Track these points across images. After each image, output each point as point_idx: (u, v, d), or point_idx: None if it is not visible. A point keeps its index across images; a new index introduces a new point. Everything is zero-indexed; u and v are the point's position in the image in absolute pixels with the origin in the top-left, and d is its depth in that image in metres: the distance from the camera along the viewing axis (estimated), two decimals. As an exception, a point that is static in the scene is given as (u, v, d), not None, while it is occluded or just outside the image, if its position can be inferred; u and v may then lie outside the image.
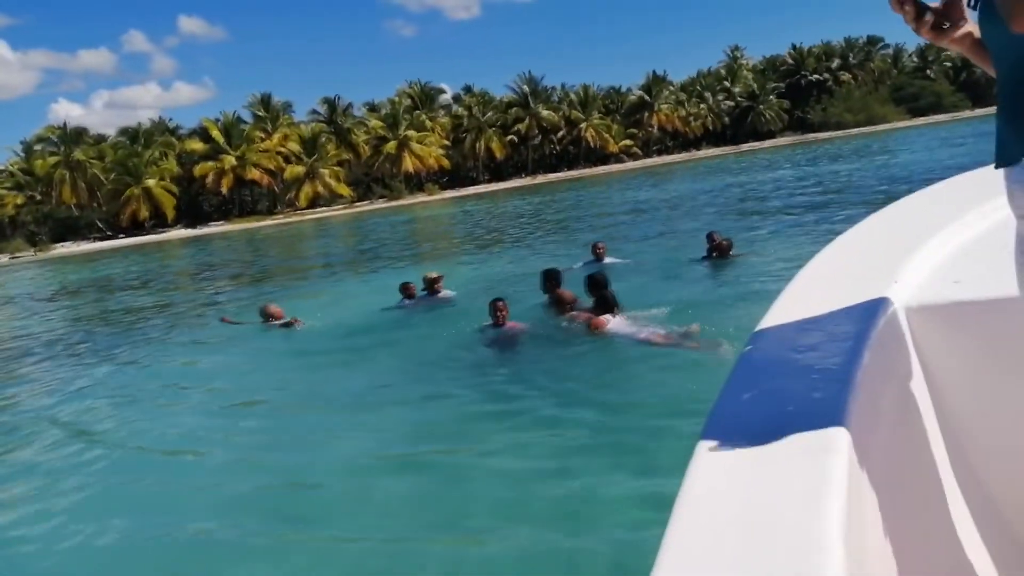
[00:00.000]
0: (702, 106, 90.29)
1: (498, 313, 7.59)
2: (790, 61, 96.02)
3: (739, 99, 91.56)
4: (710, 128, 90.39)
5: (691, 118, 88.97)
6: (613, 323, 7.07)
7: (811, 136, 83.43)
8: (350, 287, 15.06)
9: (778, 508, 0.84)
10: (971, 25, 1.24)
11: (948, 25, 1.19)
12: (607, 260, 11.24)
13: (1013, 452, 1.42)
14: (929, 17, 1.19)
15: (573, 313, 7.70)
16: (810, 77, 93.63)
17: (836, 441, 0.94)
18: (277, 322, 10.11)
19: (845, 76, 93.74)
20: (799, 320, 1.39)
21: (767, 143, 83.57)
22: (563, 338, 7.34)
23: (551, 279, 8.71)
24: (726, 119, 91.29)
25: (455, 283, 11.25)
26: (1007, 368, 1.39)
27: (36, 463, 6.07)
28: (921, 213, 2.11)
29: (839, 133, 79.46)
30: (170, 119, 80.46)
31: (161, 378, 8.65)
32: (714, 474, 0.93)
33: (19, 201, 69.22)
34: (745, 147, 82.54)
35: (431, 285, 10.49)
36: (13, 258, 63.72)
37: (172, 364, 9.48)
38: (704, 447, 0.98)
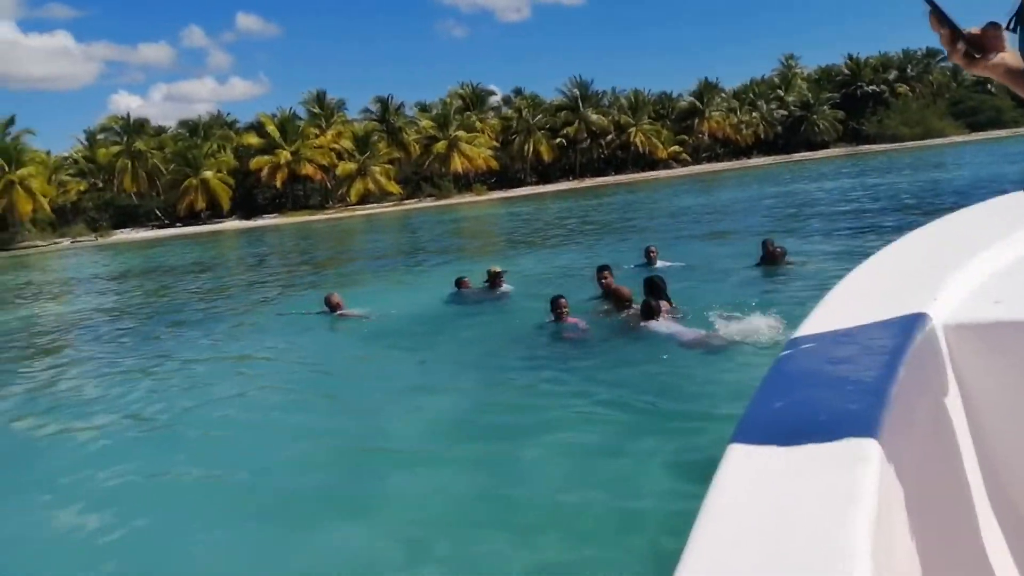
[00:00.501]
0: (754, 114, 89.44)
1: (560, 310, 8.00)
2: (846, 71, 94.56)
3: (792, 108, 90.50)
4: (762, 137, 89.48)
5: (742, 126, 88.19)
6: (658, 324, 7.42)
7: (865, 148, 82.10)
8: (409, 279, 15.61)
9: (805, 515, 0.84)
10: (1007, 54, 1.27)
11: (979, 55, 1.23)
12: (659, 264, 11.54)
13: None
14: (961, 46, 1.23)
15: (629, 313, 8.04)
16: (866, 88, 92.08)
17: (867, 452, 0.94)
18: (340, 311, 10.58)
19: (902, 88, 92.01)
20: (835, 331, 1.40)
21: (820, 153, 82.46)
22: (616, 335, 7.71)
23: (604, 273, 9.19)
24: (778, 128, 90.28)
25: (507, 279, 11.68)
26: None
27: (105, 432, 6.64)
28: (964, 231, 2.12)
29: (894, 146, 78.04)
30: (228, 113, 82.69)
31: (230, 362, 9.19)
32: (742, 478, 0.94)
33: (82, 188, 71.57)
34: (797, 157, 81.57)
35: (494, 278, 10.94)
36: (74, 242, 66.12)
37: (236, 348, 10.02)
38: (734, 450, 0.99)
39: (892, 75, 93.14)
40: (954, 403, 1.38)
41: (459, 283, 10.98)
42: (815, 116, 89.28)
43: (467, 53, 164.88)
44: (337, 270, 20.65)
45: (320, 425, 6.18)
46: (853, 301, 1.56)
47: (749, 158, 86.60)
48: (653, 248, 11.95)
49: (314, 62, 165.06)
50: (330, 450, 5.50)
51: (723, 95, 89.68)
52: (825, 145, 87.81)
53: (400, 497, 4.59)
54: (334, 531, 4.21)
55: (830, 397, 1.11)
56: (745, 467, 0.95)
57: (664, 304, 7.91)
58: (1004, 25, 1.21)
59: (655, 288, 8.07)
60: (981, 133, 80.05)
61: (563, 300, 8.11)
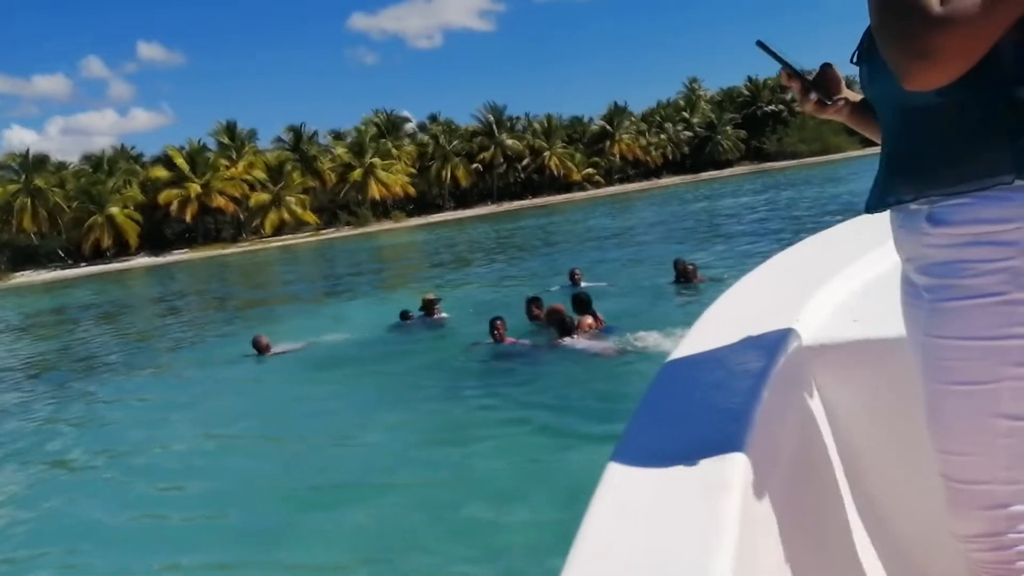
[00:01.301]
0: (662, 136, 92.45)
1: (496, 331, 8.31)
2: (746, 92, 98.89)
3: (698, 129, 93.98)
4: (670, 157, 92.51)
5: (651, 147, 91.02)
6: (574, 341, 7.95)
7: (767, 165, 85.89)
8: (336, 311, 15.57)
9: (671, 543, 0.86)
10: (847, 92, 1.41)
11: (829, 103, 1.37)
12: (583, 284, 11.98)
13: (910, 485, 1.46)
14: (814, 95, 1.36)
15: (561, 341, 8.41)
16: (765, 108, 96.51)
17: (731, 479, 0.96)
18: (269, 351, 10.39)
19: (800, 107, 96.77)
20: (704, 356, 1.44)
21: (725, 172, 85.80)
22: (546, 353, 8.08)
23: (532, 307, 9.65)
24: (685, 149, 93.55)
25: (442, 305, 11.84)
26: (902, 404, 1.41)
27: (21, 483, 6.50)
28: (823, 253, 2.21)
29: (794, 163, 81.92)
30: (132, 147, 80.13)
31: (157, 410, 8.99)
32: (615, 508, 0.96)
33: (-23, 229, 68.09)
34: (704, 176, 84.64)
35: (429, 306, 11.05)
36: (-30, 287, 62.63)
37: (162, 396, 9.75)
38: (609, 481, 1.02)
39: (789, 95, 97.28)
40: (819, 419, 1.43)
41: (403, 316, 11.03)
42: (719, 136, 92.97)
43: (380, 80, 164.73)
44: (260, 307, 20.36)
45: (262, 467, 6.19)
46: (722, 325, 1.60)
47: (659, 178, 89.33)
48: (577, 270, 12.42)
49: (220, 91, 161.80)
50: (276, 490, 5.55)
51: (632, 118, 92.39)
52: (730, 164, 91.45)
53: (349, 529, 4.72)
54: (284, 568, 4.32)
55: (696, 423, 1.15)
56: (618, 498, 0.97)
57: (589, 319, 8.41)
58: (849, 59, 1.30)
59: (582, 304, 8.56)
60: (874, 148, 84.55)
61: (500, 321, 8.44)
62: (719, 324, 1.63)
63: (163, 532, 5.12)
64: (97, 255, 67.41)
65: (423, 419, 6.59)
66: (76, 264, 66.92)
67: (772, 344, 1.41)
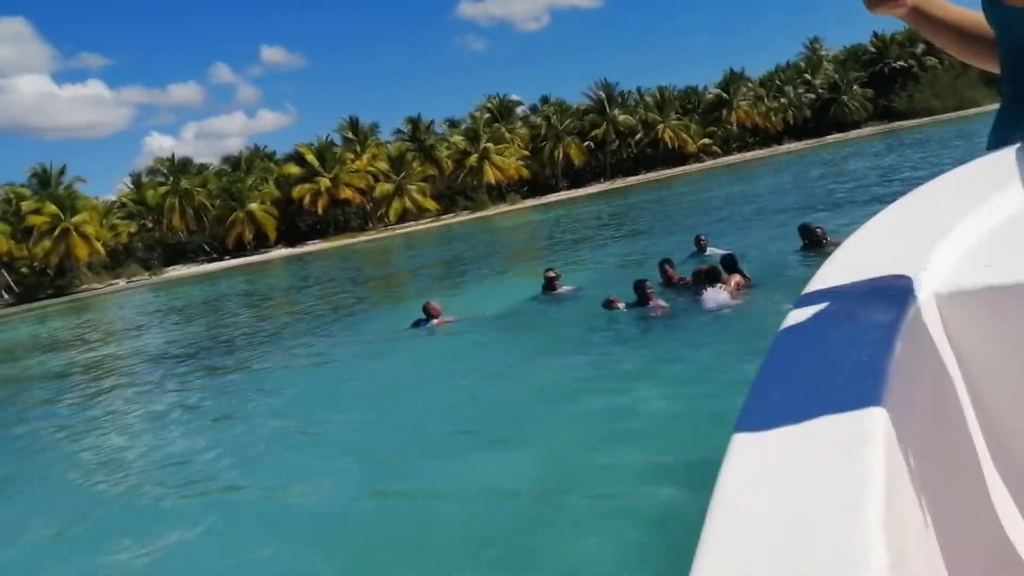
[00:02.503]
0: (782, 100, 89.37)
1: (645, 292, 9.01)
2: (872, 49, 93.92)
3: (820, 91, 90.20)
4: (791, 122, 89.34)
5: (771, 113, 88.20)
6: (721, 292, 8.61)
7: (897, 124, 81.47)
8: (480, 287, 16.45)
9: (817, 505, 0.84)
10: None
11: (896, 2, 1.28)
12: (709, 251, 12.31)
13: None
14: None
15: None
16: (894, 64, 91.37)
17: (873, 435, 0.95)
18: (437, 319, 11.08)
19: (931, 61, 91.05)
20: (828, 310, 1.41)
21: (851, 134, 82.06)
22: (691, 306, 8.76)
23: (666, 266, 10.30)
24: (808, 112, 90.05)
25: (567, 280, 12.48)
26: None
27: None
28: (947, 197, 2.12)
29: (927, 120, 77.35)
30: (264, 146, 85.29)
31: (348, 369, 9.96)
32: (749, 472, 0.94)
33: (132, 229, 74.47)
34: (829, 139, 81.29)
35: (551, 282, 11.76)
36: (130, 282, 68.82)
37: (352, 363, 10.59)
38: (738, 442, 1.00)
39: (919, 49, 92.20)
40: (952, 372, 1.40)
41: (546, 286, 11.72)
42: (844, 97, 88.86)
43: (490, 66, 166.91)
44: (405, 286, 21.69)
45: (445, 415, 6.77)
46: (843, 278, 1.56)
47: (780, 144, 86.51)
48: (703, 237, 12.74)
49: (339, 89, 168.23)
50: (453, 432, 6.21)
51: (749, 84, 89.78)
52: (856, 125, 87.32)
53: (520, 461, 5.32)
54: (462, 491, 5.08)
55: (829, 379, 1.14)
56: (750, 460, 0.96)
57: (738, 276, 9.12)
58: None
59: (732, 263, 9.20)
60: (1016, 99, 78.74)
61: (648, 283, 9.13)
62: (841, 275, 1.57)
63: (364, 461, 6.05)
64: (239, 248, 72.43)
65: (581, 372, 7.27)
66: (221, 258, 72.24)
67: (900, 294, 1.38)
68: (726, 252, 10.38)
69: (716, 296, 8.57)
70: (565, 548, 3.92)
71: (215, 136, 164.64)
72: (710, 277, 8.98)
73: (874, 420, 0.96)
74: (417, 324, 11.26)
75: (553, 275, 11.85)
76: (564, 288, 11.74)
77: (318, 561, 4.44)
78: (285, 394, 9.33)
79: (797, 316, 1.38)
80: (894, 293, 1.38)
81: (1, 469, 8.39)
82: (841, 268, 1.62)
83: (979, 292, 1.42)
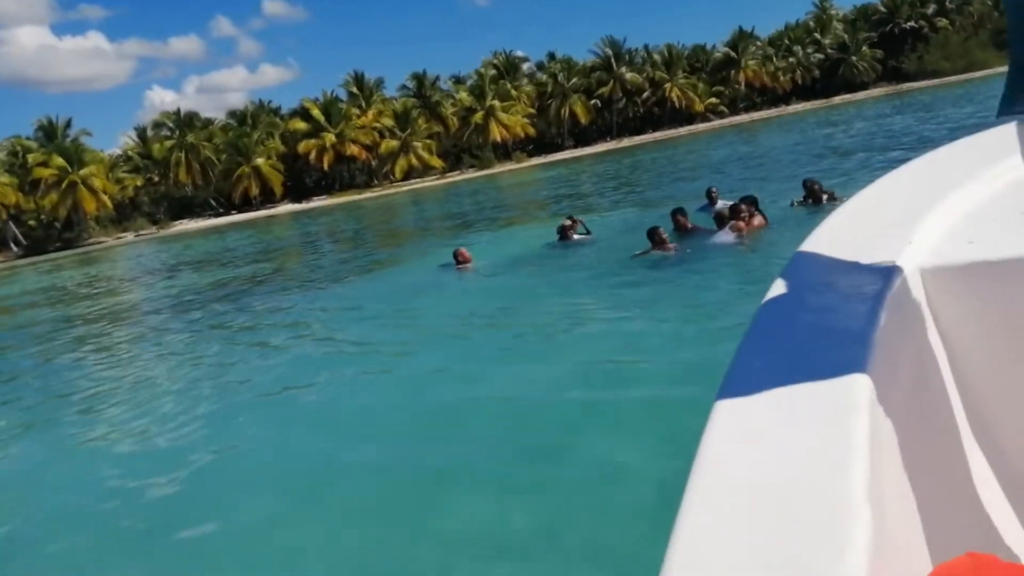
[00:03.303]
0: (791, 60, 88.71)
1: (659, 238, 9.57)
2: (882, 9, 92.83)
3: (829, 51, 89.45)
4: (799, 82, 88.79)
5: (779, 73, 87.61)
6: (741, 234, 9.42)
7: (906, 86, 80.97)
8: (496, 237, 16.94)
9: (802, 471, 0.83)
10: None
11: None
12: (719, 203, 12.79)
13: None
14: None
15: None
16: (904, 25, 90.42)
17: (858, 401, 0.94)
18: (465, 264, 11.63)
19: (942, 22, 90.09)
20: (814, 281, 1.42)
21: (860, 95, 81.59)
22: (704, 253, 9.32)
23: (678, 217, 10.82)
24: (816, 72, 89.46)
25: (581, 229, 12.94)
26: (1021, 327, 1.40)
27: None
28: (934, 173, 2.15)
29: (936, 81, 76.85)
30: (270, 100, 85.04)
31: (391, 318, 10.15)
32: (732, 437, 0.92)
33: (139, 183, 74.70)
34: (837, 100, 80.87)
35: (565, 231, 12.28)
36: (138, 235, 69.34)
37: (394, 304, 10.79)
38: (721, 409, 0.98)
39: (931, 9, 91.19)
40: (935, 344, 1.41)
41: (561, 234, 12.21)
42: (853, 57, 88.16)
43: (495, 21, 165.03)
44: (424, 238, 22.06)
45: (499, 349, 7.08)
46: (829, 251, 1.58)
47: (788, 104, 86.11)
48: (714, 189, 13.23)
49: (341, 42, 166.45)
50: (493, 359, 6.63)
51: (758, 43, 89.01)
52: (865, 86, 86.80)
53: (552, 374, 5.88)
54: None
55: (814, 346, 1.14)
56: (732, 423, 0.95)
57: (759, 217, 9.91)
58: None
59: (754, 202, 10.00)
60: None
61: (661, 228, 9.70)
62: (827, 247, 1.60)
63: (409, 386, 6.50)
64: (245, 203, 72.78)
65: (605, 303, 7.87)
66: (228, 212, 72.60)
67: (885, 267, 1.39)
68: (747, 195, 10.96)
69: (726, 237, 9.18)
70: (594, 440, 4.52)
71: (216, 90, 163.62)
72: (734, 214, 9.62)
73: (859, 388, 0.96)
74: (446, 267, 11.83)
75: (569, 223, 12.35)
76: (578, 236, 12.27)
77: (371, 452, 5.07)
78: (331, 323, 10.00)
79: (782, 285, 1.40)
80: (879, 266, 1.41)
81: (27, 403, 8.99)
82: (828, 240, 1.67)
83: (962, 267, 1.45)
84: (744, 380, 1.05)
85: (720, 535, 0.76)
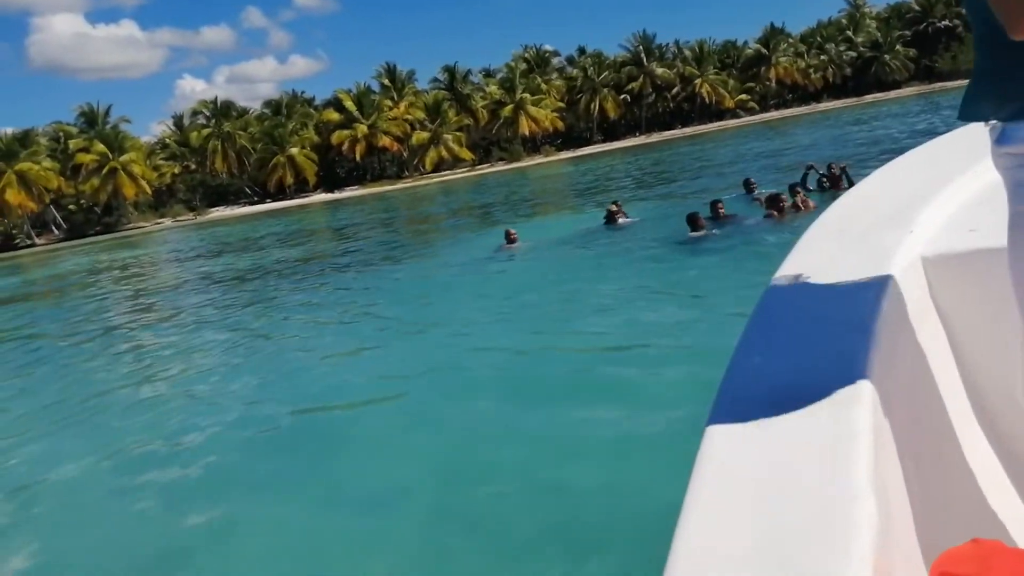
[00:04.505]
0: (822, 57, 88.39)
1: (697, 222, 10.30)
2: (917, 8, 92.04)
3: (862, 49, 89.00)
4: (831, 80, 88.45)
5: (811, 70, 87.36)
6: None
7: (939, 85, 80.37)
8: (536, 223, 17.70)
9: (807, 460, 0.83)
10: None
11: None
12: (757, 192, 13.47)
13: None
14: None
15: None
16: (938, 24, 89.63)
17: (860, 392, 0.94)
18: (513, 243, 12.41)
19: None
20: (815, 271, 1.41)
21: (892, 94, 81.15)
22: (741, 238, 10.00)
23: (718, 205, 11.54)
24: (848, 70, 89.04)
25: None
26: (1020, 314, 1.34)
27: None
28: (934, 163, 2.14)
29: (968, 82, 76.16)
30: (303, 91, 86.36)
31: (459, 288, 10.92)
32: (737, 427, 0.92)
33: (175, 170, 76.27)
34: (868, 98, 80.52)
35: (612, 215, 13.02)
36: (175, 221, 70.91)
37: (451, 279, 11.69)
38: (725, 398, 0.99)
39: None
40: (936, 332, 1.41)
41: (608, 218, 12.94)
42: (886, 56, 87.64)
43: (525, 16, 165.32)
44: (472, 219, 22.87)
45: (553, 314, 7.81)
46: (830, 240, 1.57)
47: (819, 103, 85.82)
48: (752, 179, 13.93)
49: (370, 36, 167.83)
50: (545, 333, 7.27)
51: (790, 40, 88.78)
52: (897, 85, 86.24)
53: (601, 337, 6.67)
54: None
55: (817, 338, 1.13)
56: (738, 415, 0.94)
57: (812, 202, 10.61)
58: None
59: (804, 182, 11.02)
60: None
61: (698, 214, 10.47)
62: (829, 235, 1.60)
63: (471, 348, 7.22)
64: (279, 192, 74.09)
65: (652, 279, 8.63)
66: (262, 200, 73.98)
67: (887, 255, 1.39)
68: (754, 199, 11.71)
69: (763, 223, 9.97)
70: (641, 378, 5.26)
71: (246, 80, 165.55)
72: (772, 202, 10.48)
73: (861, 377, 0.97)
74: (497, 249, 12.59)
75: (615, 208, 13.08)
76: (625, 220, 12.99)
77: (437, 400, 5.81)
78: (397, 299, 10.74)
79: (784, 275, 1.40)
80: (881, 254, 1.40)
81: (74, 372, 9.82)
82: (830, 229, 1.66)
83: (964, 255, 1.44)
84: (747, 370, 1.07)
85: (726, 522, 0.76)
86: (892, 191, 1.94)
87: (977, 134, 2.07)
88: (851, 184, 11.97)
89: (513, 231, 12.68)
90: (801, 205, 10.37)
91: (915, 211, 1.64)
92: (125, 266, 28.83)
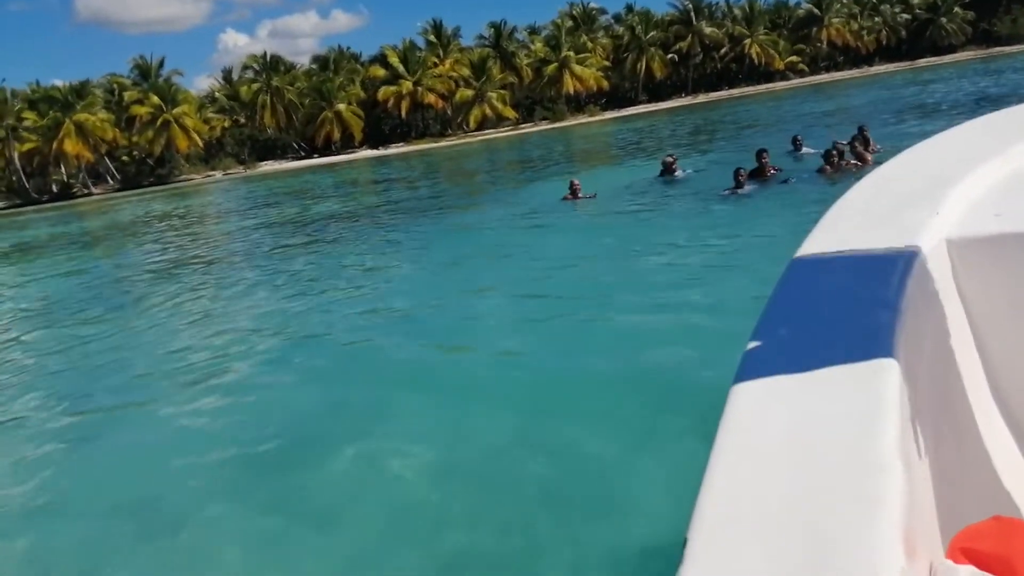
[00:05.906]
0: (876, 19, 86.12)
1: (739, 177, 10.94)
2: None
3: (918, 11, 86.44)
4: (884, 43, 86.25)
5: (864, 32, 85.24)
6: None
7: (997, 50, 77.96)
8: (593, 175, 18.23)
9: (835, 428, 0.82)
10: None
11: None
12: (804, 150, 13.93)
13: None
14: None
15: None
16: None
17: (887, 367, 0.94)
18: (578, 195, 12.90)
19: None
20: (840, 247, 1.40)
21: (947, 58, 78.96)
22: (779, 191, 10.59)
23: (763, 155, 12.06)
24: (902, 33, 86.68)
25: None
26: None
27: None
28: (961, 147, 2.13)
29: (1029, 45, 73.92)
30: (348, 47, 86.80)
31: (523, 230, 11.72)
32: (762, 392, 0.92)
33: (226, 124, 77.62)
34: (922, 62, 78.51)
35: (668, 167, 13.63)
36: (226, 174, 72.52)
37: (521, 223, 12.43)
38: (749, 370, 0.98)
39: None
40: (958, 315, 1.41)
41: (665, 170, 13.52)
42: (943, 19, 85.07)
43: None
44: (528, 172, 23.45)
45: (612, 262, 8.46)
46: (854, 219, 1.56)
47: (871, 66, 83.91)
48: (799, 136, 14.36)
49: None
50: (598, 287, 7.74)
51: (843, 1, 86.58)
52: (952, 49, 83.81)
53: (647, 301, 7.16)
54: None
55: (842, 312, 1.13)
56: (763, 386, 0.94)
57: (869, 155, 11.12)
58: None
59: (865, 140, 11.57)
60: None
61: (741, 169, 11.04)
62: (850, 217, 1.59)
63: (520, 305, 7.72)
64: (326, 148, 75.16)
65: (704, 232, 9.30)
66: (310, 155, 75.16)
67: (912, 235, 1.38)
68: (801, 155, 12.16)
69: (813, 176, 10.59)
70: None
71: (288, 35, 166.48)
72: (826, 157, 11.11)
73: (887, 352, 0.99)
74: (564, 199, 13.22)
75: (671, 160, 13.67)
76: (681, 172, 13.58)
77: (492, 340, 6.42)
78: (451, 251, 11.40)
79: (809, 249, 1.39)
80: (906, 236, 1.39)
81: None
82: (855, 207, 1.65)
83: (989, 239, 1.44)
84: (772, 342, 1.07)
85: (752, 484, 0.77)
86: (920, 171, 1.92)
87: (1011, 119, 2.34)
88: (869, 144, 12.25)
89: (576, 181, 13.19)
90: (858, 160, 10.88)
91: (942, 193, 1.63)
92: (202, 214, 30.01)
